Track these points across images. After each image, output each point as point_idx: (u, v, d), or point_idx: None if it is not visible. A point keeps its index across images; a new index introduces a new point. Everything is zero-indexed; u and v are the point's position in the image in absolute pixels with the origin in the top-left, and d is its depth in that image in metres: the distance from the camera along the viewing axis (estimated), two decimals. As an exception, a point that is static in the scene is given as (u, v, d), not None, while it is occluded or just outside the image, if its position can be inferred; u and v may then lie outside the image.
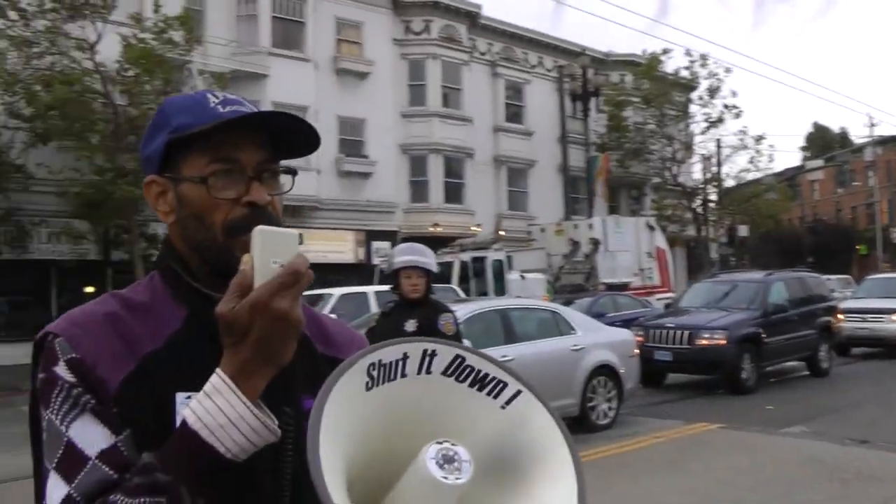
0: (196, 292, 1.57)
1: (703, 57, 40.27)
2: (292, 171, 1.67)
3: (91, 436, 1.40)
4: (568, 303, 19.49)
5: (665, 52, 40.37)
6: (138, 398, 1.44)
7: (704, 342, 16.42)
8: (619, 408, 13.21)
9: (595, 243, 28.75)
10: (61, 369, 1.45)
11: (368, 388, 1.36)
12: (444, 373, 1.42)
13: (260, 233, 1.38)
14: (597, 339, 13.35)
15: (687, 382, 17.92)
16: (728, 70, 63.09)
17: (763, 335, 17.02)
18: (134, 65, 23.27)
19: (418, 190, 35.11)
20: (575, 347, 12.82)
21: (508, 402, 1.43)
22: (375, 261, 29.90)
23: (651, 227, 31.47)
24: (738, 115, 42.59)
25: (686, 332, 16.71)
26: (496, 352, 11.59)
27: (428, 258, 6.43)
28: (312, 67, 31.59)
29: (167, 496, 1.31)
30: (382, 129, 33.97)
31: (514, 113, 39.41)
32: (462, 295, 20.86)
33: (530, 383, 1.45)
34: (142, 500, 1.31)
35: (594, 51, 42.35)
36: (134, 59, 23.07)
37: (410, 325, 6.27)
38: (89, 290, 25.15)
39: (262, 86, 29.99)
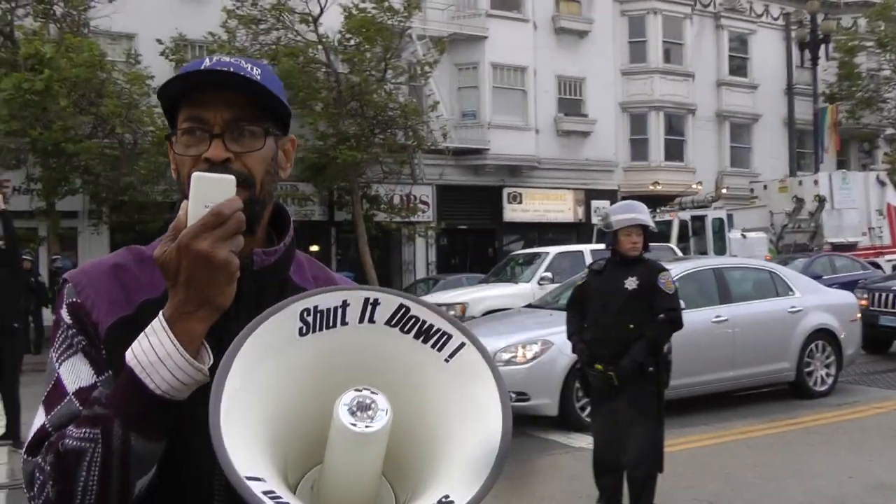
0: None
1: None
2: (266, 130, 1.66)
3: (76, 374, 1.54)
4: (782, 264, 18.95)
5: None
6: (127, 342, 1.46)
7: (937, 308, 15.53)
8: (837, 375, 12.74)
9: (820, 200, 27.61)
10: (64, 312, 1.59)
11: (302, 334, 1.38)
12: (388, 322, 1.40)
13: (196, 178, 1.43)
14: (816, 302, 12.86)
15: (916, 350, 17.00)
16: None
17: None
18: (355, 34, 24.21)
19: (638, 148, 34.73)
20: (792, 309, 12.43)
21: (452, 354, 1.39)
22: (595, 220, 29.88)
23: (882, 183, 29.82)
24: None
25: (915, 297, 15.82)
26: (710, 312, 11.52)
27: (646, 215, 6.49)
28: (531, 27, 31.68)
29: (101, 427, 1.40)
30: (602, 87, 33.75)
31: (738, 66, 38.19)
32: (680, 254, 20.65)
33: (473, 334, 1.41)
34: (84, 431, 1.42)
35: (825, -5, 40.35)
36: (355, 28, 24.01)
37: (631, 283, 6.35)
38: (314, 248, 26.66)
39: (480, 48, 30.40)
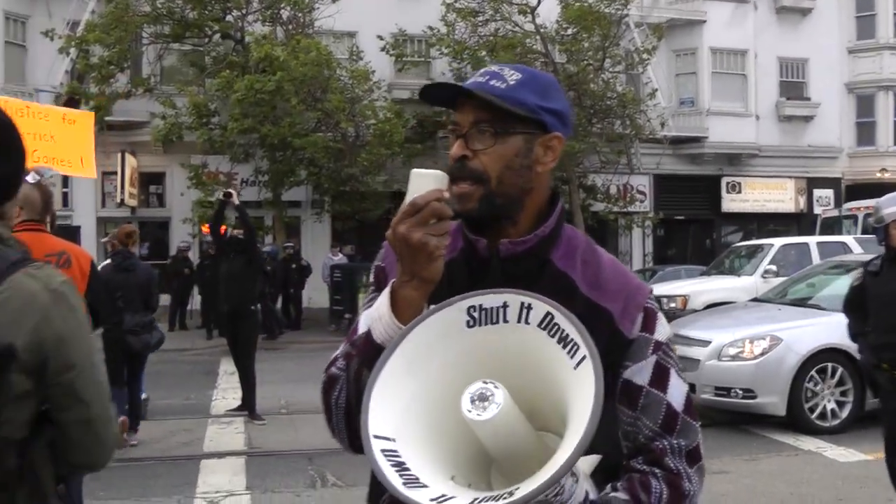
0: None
1: None
2: (498, 130, 1.85)
3: (367, 321, 1.86)
4: None
5: None
6: None
7: None
8: None
9: None
10: (371, 272, 2.08)
11: (470, 326, 1.63)
12: (539, 325, 1.59)
13: (412, 174, 1.75)
14: None
15: None
16: None
17: None
18: (572, 23, 24.19)
19: (864, 132, 32.91)
20: None
21: (578, 364, 1.52)
22: (817, 210, 28.76)
23: None
24: None
25: None
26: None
27: None
28: (751, 8, 30.79)
29: (347, 362, 1.87)
30: (826, 67, 32.24)
31: (980, 36, 35.46)
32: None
33: (594, 350, 1.52)
34: (341, 363, 1.90)
35: None
36: (572, 17, 24.02)
37: None
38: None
39: (698, 32, 29.85)
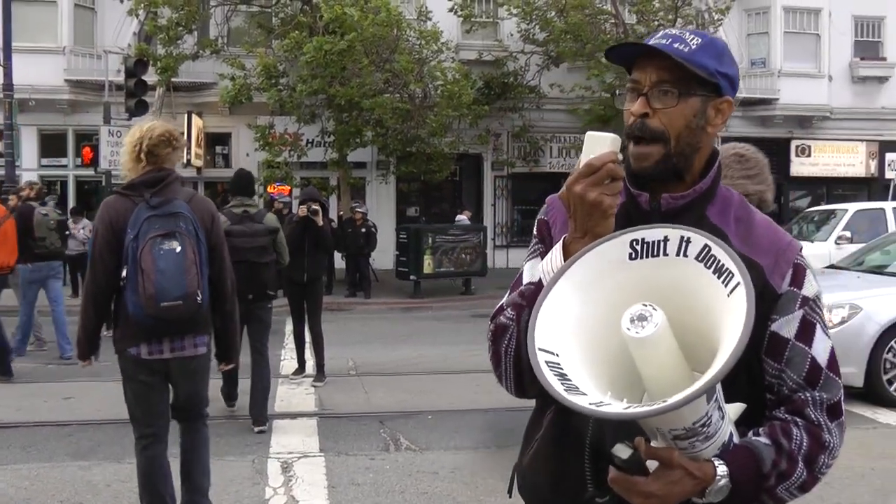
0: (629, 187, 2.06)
1: None
2: (682, 91, 1.95)
3: (531, 272, 2.06)
4: None
5: None
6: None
7: None
8: None
9: None
10: (536, 226, 2.21)
11: (632, 258, 1.76)
12: (697, 258, 1.70)
13: (587, 136, 1.87)
14: None
15: None
16: None
17: None
18: (644, -18, 23.80)
19: (943, 95, 31.94)
20: None
21: (731, 291, 1.63)
22: (889, 174, 28.05)
23: None
24: None
25: None
26: None
27: None
28: (825, -34, 29.92)
29: (516, 312, 1.98)
30: (904, 27, 31.09)
31: None
32: None
33: (747, 275, 1.63)
34: (511, 312, 2.01)
35: None
36: (644, -24, 23.58)
37: None
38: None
39: (772, -11, 29.16)
